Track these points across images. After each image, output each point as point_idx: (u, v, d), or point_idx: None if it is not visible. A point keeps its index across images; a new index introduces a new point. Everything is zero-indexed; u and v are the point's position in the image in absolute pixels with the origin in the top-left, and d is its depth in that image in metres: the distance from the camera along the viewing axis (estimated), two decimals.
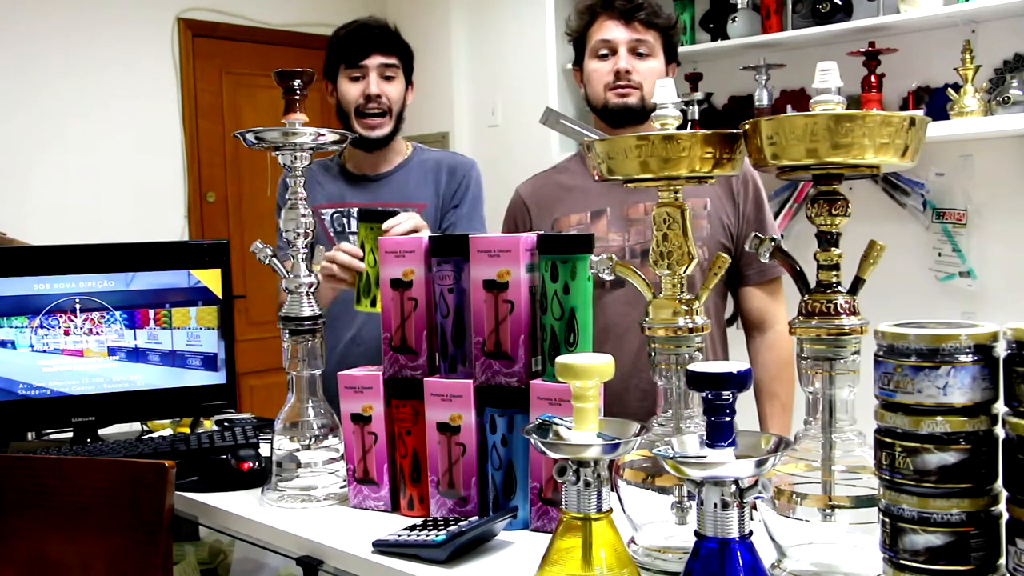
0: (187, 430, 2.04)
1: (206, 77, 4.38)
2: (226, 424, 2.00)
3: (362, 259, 1.80)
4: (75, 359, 1.91)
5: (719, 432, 0.91)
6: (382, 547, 1.25)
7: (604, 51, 1.87)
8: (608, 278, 1.18)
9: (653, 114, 1.19)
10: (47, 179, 3.87)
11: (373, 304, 1.64)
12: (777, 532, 1.05)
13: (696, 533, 0.91)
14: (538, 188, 1.97)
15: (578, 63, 1.96)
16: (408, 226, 1.74)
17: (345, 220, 2.17)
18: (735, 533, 0.88)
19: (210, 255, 1.99)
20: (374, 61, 2.12)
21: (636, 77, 1.85)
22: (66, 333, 1.90)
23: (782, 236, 0.98)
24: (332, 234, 2.14)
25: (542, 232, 1.32)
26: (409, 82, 2.21)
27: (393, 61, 2.15)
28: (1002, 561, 0.91)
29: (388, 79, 2.14)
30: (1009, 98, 2.76)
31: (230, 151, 4.40)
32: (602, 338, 1.83)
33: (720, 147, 1.10)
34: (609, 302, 1.80)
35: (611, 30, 1.86)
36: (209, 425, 2.10)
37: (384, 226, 1.71)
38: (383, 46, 2.14)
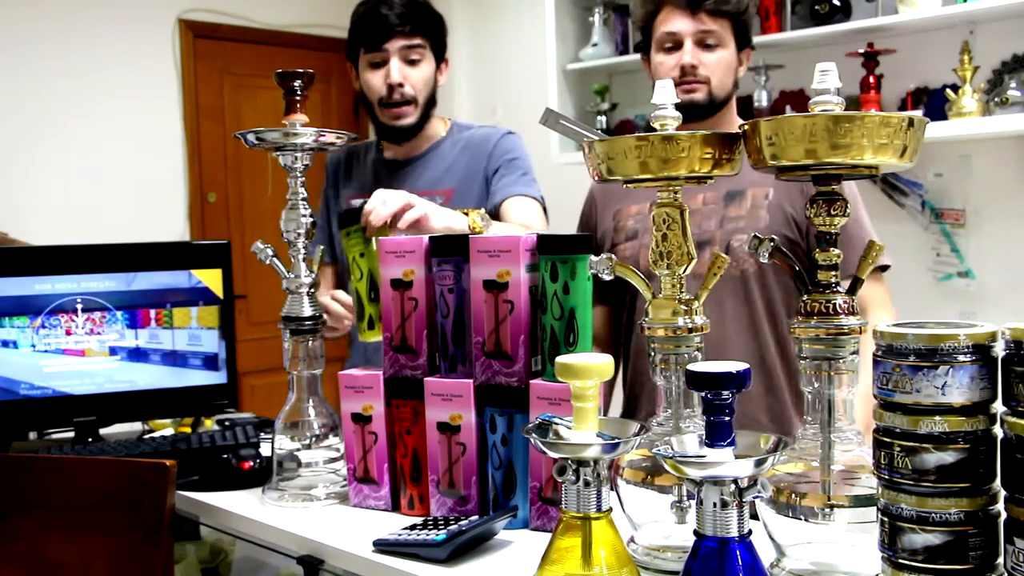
0: (188, 430, 2.05)
1: (207, 78, 4.39)
2: (227, 424, 2.00)
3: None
4: (76, 359, 1.91)
5: (718, 432, 0.92)
6: (383, 546, 1.25)
7: (669, 44, 1.79)
8: (607, 278, 1.18)
9: (652, 115, 1.19)
10: (48, 179, 3.87)
11: (372, 327, 1.53)
12: (776, 531, 1.06)
13: (695, 532, 0.91)
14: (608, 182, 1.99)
15: (645, 53, 1.89)
16: (388, 210, 1.55)
17: None
18: (734, 532, 0.89)
19: (211, 255, 1.99)
20: (395, 45, 1.96)
21: (703, 71, 1.77)
22: (67, 333, 1.90)
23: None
24: None
25: (542, 233, 1.33)
26: (442, 59, 2.05)
27: (417, 42, 1.98)
28: (1000, 560, 0.91)
29: (412, 63, 1.98)
30: (1007, 99, 2.76)
31: (231, 152, 4.41)
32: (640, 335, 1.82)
33: (719, 147, 1.10)
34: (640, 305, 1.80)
35: (676, 22, 1.77)
36: (210, 425, 2.10)
37: (364, 224, 1.57)
38: (404, 27, 1.96)
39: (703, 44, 1.78)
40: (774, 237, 1.08)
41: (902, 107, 3.10)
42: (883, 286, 1.84)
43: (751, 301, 1.77)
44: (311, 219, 1.55)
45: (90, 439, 1.92)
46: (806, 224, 1.76)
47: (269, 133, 1.51)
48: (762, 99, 3.30)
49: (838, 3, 3.02)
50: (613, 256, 1.17)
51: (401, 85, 1.98)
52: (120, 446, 1.77)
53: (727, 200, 1.79)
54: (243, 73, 4.47)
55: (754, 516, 1.00)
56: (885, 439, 0.92)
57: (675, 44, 1.79)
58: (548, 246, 1.30)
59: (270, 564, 1.80)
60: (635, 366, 1.87)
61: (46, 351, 1.89)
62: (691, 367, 0.94)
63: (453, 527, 1.22)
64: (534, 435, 1.00)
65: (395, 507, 1.44)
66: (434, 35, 2.02)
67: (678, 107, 1.80)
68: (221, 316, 1.98)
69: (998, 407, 0.91)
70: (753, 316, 1.77)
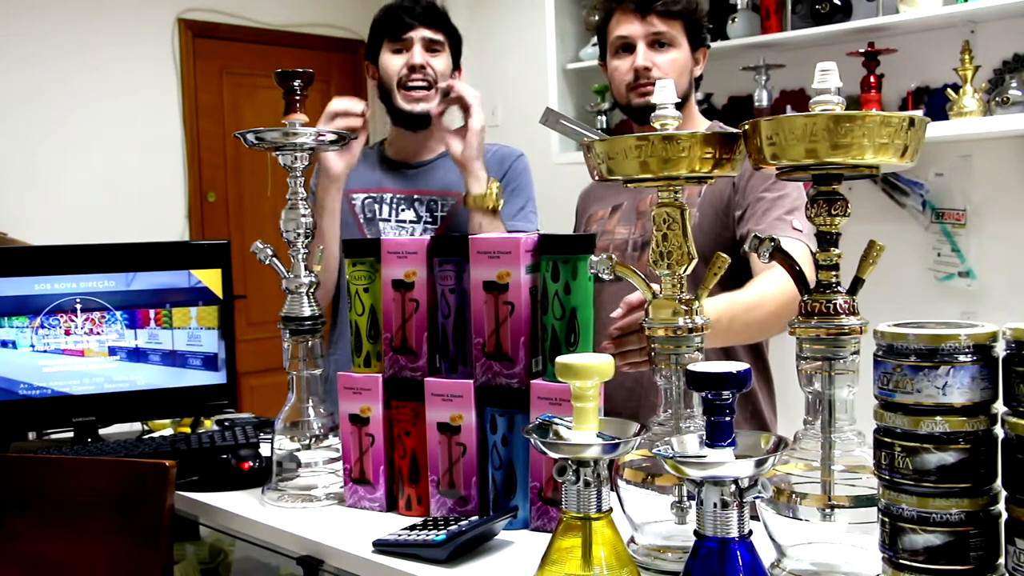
0: (188, 430, 2.04)
1: (206, 77, 4.39)
2: (226, 424, 2.00)
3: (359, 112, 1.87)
4: (76, 359, 1.91)
5: (719, 432, 0.92)
6: (382, 547, 1.25)
7: (622, 47, 1.82)
8: (607, 278, 1.18)
9: (652, 115, 1.19)
10: (48, 179, 3.87)
11: (368, 364, 1.46)
12: (777, 532, 1.05)
13: (696, 533, 0.91)
14: (589, 188, 2.02)
15: (603, 59, 1.91)
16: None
17: (377, 206, 2.06)
18: (735, 533, 0.89)
19: (211, 255, 1.99)
20: (419, 33, 1.98)
21: (656, 73, 1.78)
22: (67, 333, 1.90)
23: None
24: (362, 220, 2.05)
25: (543, 233, 1.33)
26: (457, 66, 2.08)
27: (439, 37, 2.01)
28: (1001, 561, 0.91)
29: (434, 52, 2.00)
30: (1008, 98, 2.76)
31: (230, 151, 4.41)
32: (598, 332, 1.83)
33: (720, 147, 1.10)
34: (607, 298, 1.80)
35: (627, 25, 1.80)
36: (209, 425, 2.10)
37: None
38: (428, 20, 2.00)
39: (655, 46, 1.80)
40: (774, 237, 1.08)
41: (903, 107, 3.09)
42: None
43: None
44: (311, 219, 1.54)
45: (89, 439, 1.91)
46: (728, 208, 1.75)
47: (269, 133, 1.51)
48: (762, 99, 3.30)
49: (839, 2, 3.02)
50: (613, 256, 1.17)
51: (423, 67, 1.97)
52: (119, 446, 1.77)
53: None
54: (243, 73, 4.47)
55: (754, 516, 1.00)
56: (886, 439, 0.92)
57: (628, 47, 1.82)
58: (550, 246, 1.30)
59: (270, 564, 1.80)
60: None
61: (45, 351, 1.89)
62: (691, 367, 0.93)
63: (453, 527, 1.22)
64: (534, 435, 1.00)
65: (391, 508, 1.44)
66: (453, 38, 2.05)
67: (635, 110, 1.83)
68: (221, 316, 1.98)
69: (999, 407, 0.91)
70: None
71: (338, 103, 1.89)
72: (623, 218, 1.85)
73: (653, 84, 1.77)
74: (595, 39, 3.66)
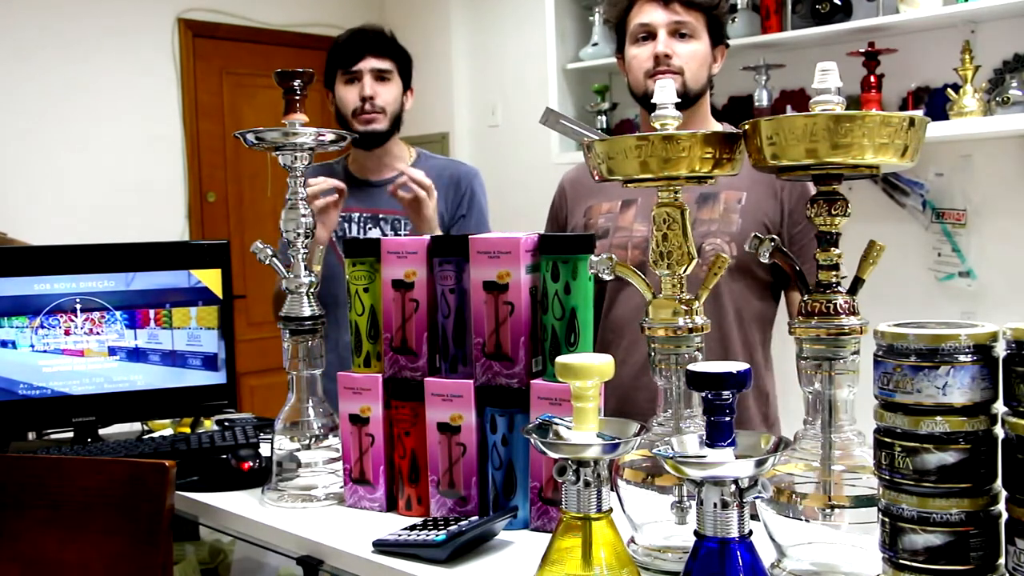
0: (187, 430, 2.04)
1: (206, 77, 4.39)
2: (226, 424, 2.00)
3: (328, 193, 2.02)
4: (75, 359, 1.91)
5: (719, 432, 0.92)
6: (382, 547, 1.25)
7: (643, 35, 1.80)
8: (608, 278, 1.18)
9: (652, 115, 1.18)
10: (48, 179, 3.87)
11: (368, 364, 1.46)
12: (777, 532, 1.05)
13: (696, 533, 0.91)
14: (579, 175, 1.98)
15: (620, 51, 1.89)
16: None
17: (346, 225, 2.20)
18: (735, 533, 0.89)
19: (210, 255, 1.99)
20: (368, 64, 2.18)
21: (677, 61, 1.76)
22: (66, 333, 1.90)
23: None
24: (334, 238, 2.15)
25: (543, 233, 1.33)
26: (408, 87, 2.25)
27: (387, 65, 2.20)
28: (1001, 561, 0.91)
29: (383, 81, 2.19)
30: (1008, 98, 2.76)
31: (230, 151, 4.41)
32: (619, 332, 1.81)
33: (720, 147, 1.10)
34: (628, 296, 1.79)
35: (649, 13, 1.78)
36: (209, 425, 2.10)
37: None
38: (377, 49, 2.19)
39: (677, 35, 1.78)
40: (775, 237, 1.08)
41: (903, 107, 3.09)
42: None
43: (721, 306, 1.76)
44: (311, 219, 1.54)
45: (89, 439, 1.91)
46: (778, 229, 1.75)
47: (268, 133, 1.51)
48: (763, 99, 3.30)
49: (839, 2, 3.02)
50: (613, 256, 1.17)
51: (372, 98, 2.17)
52: (119, 446, 1.77)
53: (700, 203, 1.78)
54: (243, 72, 4.47)
55: (754, 516, 1.00)
56: (886, 439, 0.92)
57: (649, 35, 1.80)
58: (550, 246, 1.30)
59: (269, 564, 1.80)
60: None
61: (45, 351, 1.89)
62: (691, 367, 0.93)
63: (453, 527, 1.22)
64: (534, 435, 1.00)
65: (391, 508, 1.44)
66: (402, 62, 2.23)
67: (649, 99, 1.81)
68: (220, 316, 1.98)
69: (999, 407, 0.90)
70: (722, 321, 1.76)
71: (314, 187, 2.01)
72: (640, 215, 1.83)
73: (672, 71, 1.76)
74: (595, 39, 3.68)
